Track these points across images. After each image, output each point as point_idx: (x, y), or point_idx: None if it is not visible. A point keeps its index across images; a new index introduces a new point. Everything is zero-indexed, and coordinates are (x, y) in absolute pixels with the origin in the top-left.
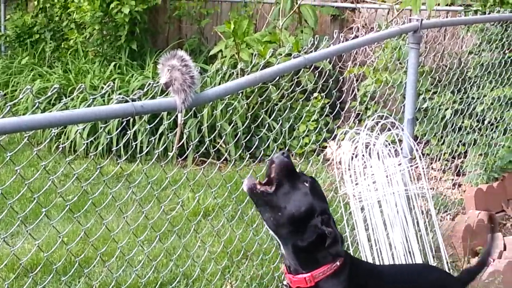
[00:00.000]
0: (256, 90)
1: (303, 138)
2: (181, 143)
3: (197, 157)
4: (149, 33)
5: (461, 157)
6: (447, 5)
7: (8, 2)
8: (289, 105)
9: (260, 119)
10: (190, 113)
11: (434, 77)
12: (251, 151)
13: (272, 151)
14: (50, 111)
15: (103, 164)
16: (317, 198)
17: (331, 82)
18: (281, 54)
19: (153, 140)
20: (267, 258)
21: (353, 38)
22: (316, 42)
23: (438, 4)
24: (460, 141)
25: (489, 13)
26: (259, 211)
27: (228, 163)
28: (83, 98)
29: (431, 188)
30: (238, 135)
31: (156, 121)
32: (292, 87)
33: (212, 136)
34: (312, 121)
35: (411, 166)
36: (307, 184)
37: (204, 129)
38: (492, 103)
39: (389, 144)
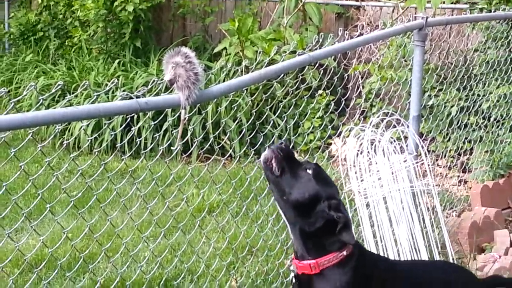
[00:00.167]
0: (261, 87)
1: (308, 135)
2: (184, 140)
3: (202, 153)
4: (153, 31)
5: (467, 154)
6: (452, 2)
7: (12, 0)
8: (294, 102)
9: (265, 116)
10: (195, 109)
11: (440, 74)
12: (255, 147)
13: None
14: (54, 108)
15: (107, 161)
16: (322, 183)
17: (336, 79)
18: (285, 52)
19: (158, 137)
20: (272, 254)
21: (358, 36)
22: (320, 40)
23: (444, 2)
24: (466, 138)
25: (494, 11)
26: (271, 191)
27: (232, 159)
28: (87, 95)
29: (436, 185)
30: (243, 131)
31: (161, 117)
32: (297, 84)
33: (217, 133)
34: (317, 118)
35: (416, 162)
36: (310, 171)
37: (208, 126)
38: (498, 101)
39: (395, 141)
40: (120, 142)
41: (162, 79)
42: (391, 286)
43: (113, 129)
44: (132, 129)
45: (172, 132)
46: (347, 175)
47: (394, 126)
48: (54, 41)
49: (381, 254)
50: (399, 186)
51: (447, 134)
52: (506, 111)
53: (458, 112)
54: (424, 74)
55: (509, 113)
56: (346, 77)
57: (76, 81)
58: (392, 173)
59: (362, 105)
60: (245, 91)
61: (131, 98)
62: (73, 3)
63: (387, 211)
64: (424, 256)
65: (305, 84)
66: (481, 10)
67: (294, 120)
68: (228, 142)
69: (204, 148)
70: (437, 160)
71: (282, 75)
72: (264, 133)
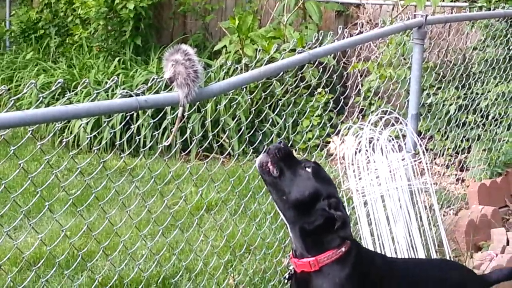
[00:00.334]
0: (260, 85)
1: (306, 133)
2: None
3: (201, 151)
4: (154, 29)
5: (464, 153)
6: (451, 1)
7: None
8: (293, 100)
9: (264, 114)
10: (194, 107)
11: (438, 72)
12: (254, 146)
13: None
14: (54, 106)
15: (106, 159)
16: (321, 182)
17: (335, 78)
18: (285, 50)
19: (157, 135)
20: (270, 253)
21: (357, 34)
22: (320, 38)
23: (443, 0)
24: (464, 137)
25: (494, 9)
26: (269, 192)
27: (231, 157)
28: (87, 93)
29: (434, 183)
30: (242, 130)
31: (160, 115)
32: (296, 82)
33: (216, 131)
34: (316, 116)
35: (414, 161)
36: (309, 170)
37: (207, 124)
38: (496, 99)
39: (393, 139)
40: (120, 140)
41: (162, 77)
42: (388, 283)
43: (112, 127)
44: (132, 127)
45: (172, 130)
46: (345, 173)
47: (393, 125)
48: (55, 39)
49: (378, 252)
50: (397, 184)
51: (445, 133)
52: (504, 110)
53: (457, 110)
54: (423, 72)
55: (507, 111)
56: (345, 75)
57: (76, 79)
58: (390, 172)
59: (361, 103)
60: (244, 89)
61: (130, 96)
62: (74, 0)
63: (384, 210)
64: (421, 255)
65: (304, 82)
66: (480, 8)
67: (293, 118)
68: (227, 140)
69: (203, 146)
70: (435, 158)
71: (281, 73)
72: (263, 131)
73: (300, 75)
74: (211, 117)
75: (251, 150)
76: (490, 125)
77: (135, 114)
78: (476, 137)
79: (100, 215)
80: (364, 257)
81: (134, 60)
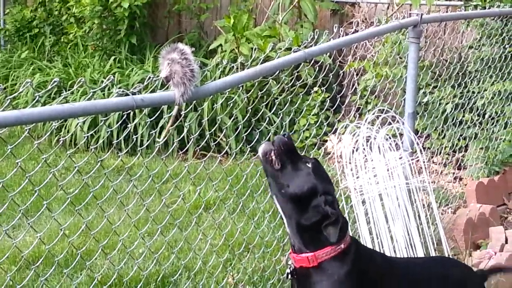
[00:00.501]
0: (257, 84)
1: (303, 132)
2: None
3: (198, 150)
4: (149, 28)
5: (462, 151)
6: None
7: None
8: (289, 99)
9: (261, 112)
10: (191, 106)
11: (434, 71)
12: (251, 144)
13: None
14: (51, 105)
15: (103, 158)
16: (320, 178)
17: (331, 76)
18: (281, 49)
19: (154, 134)
20: (268, 251)
21: (353, 33)
22: (316, 37)
23: None
24: (461, 135)
25: (489, 8)
26: (268, 184)
27: (228, 156)
28: (83, 92)
29: (432, 182)
30: (239, 128)
31: (157, 114)
32: (292, 81)
33: (213, 130)
34: (313, 115)
35: (412, 159)
36: (309, 165)
37: (204, 123)
38: (492, 97)
39: (390, 138)
40: (117, 139)
41: (158, 76)
42: (389, 281)
43: (109, 126)
44: (128, 126)
45: (168, 129)
46: (343, 172)
47: (390, 123)
48: (50, 37)
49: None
50: (394, 183)
51: (442, 131)
52: (500, 108)
53: (453, 109)
54: (419, 71)
55: (504, 110)
56: (341, 74)
57: (72, 78)
58: (388, 170)
59: (358, 102)
60: (240, 88)
61: (127, 95)
62: None
63: (383, 208)
64: (420, 253)
65: (300, 81)
66: (475, 7)
67: (290, 117)
68: (224, 139)
69: (200, 145)
70: (432, 157)
71: (277, 72)
72: (259, 130)
73: (296, 74)
74: (208, 116)
75: (248, 149)
76: (487, 124)
77: (131, 113)
78: (473, 136)
79: (99, 214)
80: (363, 255)
81: (130, 59)
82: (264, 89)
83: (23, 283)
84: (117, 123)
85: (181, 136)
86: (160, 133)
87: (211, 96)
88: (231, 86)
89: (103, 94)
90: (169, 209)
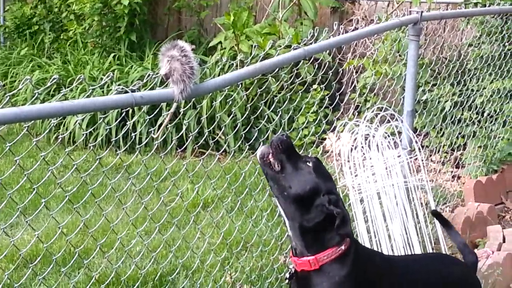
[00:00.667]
0: (256, 81)
1: (302, 129)
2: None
3: (196, 148)
4: (149, 25)
5: (460, 149)
6: None
7: None
8: (288, 97)
9: (260, 110)
10: (190, 104)
11: (434, 69)
12: (250, 142)
13: None
14: (50, 102)
15: (102, 155)
16: (321, 177)
17: (330, 74)
18: (280, 46)
19: (152, 131)
20: (266, 250)
21: (353, 30)
22: (315, 34)
23: None
24: (460, 133)
25: (489, 6)
26: (270, 188)
27: (227, 154)
28: (82, 89)
29: (430, 180)
30: (237, 126)
31: (156, 112)
32: (292, 78)
33: (211, 128)
34: (312, 112)
35: (410, 158)
36: (310, 164)
37: (203, 121)
38: (491, 96)
39: (389, 136)
40: (115, 137)
41: (157, 73)
42: (388, 280)
43: (108, 124)
44: (127, 123)
45: (167, 126)
46: (341, 170)
47: (388, 121)
48: (49, 34)
49: (375, 249)
50: (393, 181)
51: (440, 129)
52: (499, 106)
53: (452, 107)
54: (419, 68)
55: (503, 108)
56: (341, 72)
57: (71, 75)
58: (386, 168)
59: (357, 100)
60: (239, 86)
61: (126, 92)
62: None
63: (381, 206)
64: (418, 252)
65: (299, 79)
66: (475, 4)
67: (289, 115)
68: (223, 137)
69: (199, 143)
70: (430, 155)
71: (277, 69)
72: (258, 127)
73: (295, 71)
74: (206, 114)
75: (247, 147)
76: (486, 122)
77: (130, 111)
78: (472, 134)
79: (97, 212)
80: (363, 255)
81: (129, 56)
82: (263, 87)
83: (20, 282)
84: (115, 120)
85: (180, 134)
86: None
87: (210, 94)
88: (230, 83)
89: (102, 91)
90: (167, 207)
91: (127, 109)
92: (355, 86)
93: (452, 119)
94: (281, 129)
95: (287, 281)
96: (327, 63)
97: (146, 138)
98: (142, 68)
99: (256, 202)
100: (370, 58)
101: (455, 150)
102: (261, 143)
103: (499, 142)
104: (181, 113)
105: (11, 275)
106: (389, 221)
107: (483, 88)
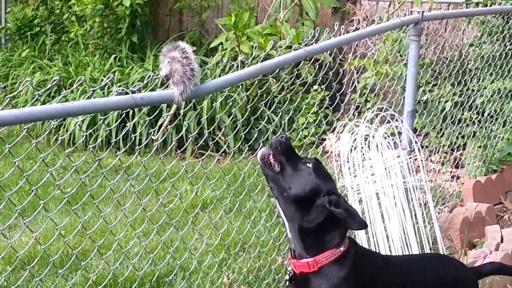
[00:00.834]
0: (256, 82)
1: (302, 130)
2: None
3: (196, 149)
4: (150, 26)
5: (460, 150)
6: None
7: None
8: (288, 98)
9: (260, 111)
10: (190, 105)
11: (435, 69)
12: (250, 143)
13: None
14: (50, 103)
15: (101, 157)
16: (321, 178)
17: (331, 75)
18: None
19: (152, 133)
20: (264, 251)
21: (354, 31)
22: (316, 35)
23: None
24: (460, 134)
25: (490, 6)
26: (270, 189)
27: (227, 155)
28: (82, 91)
29: (429, 181)
30: (237, 127)
31: (156, 113)
32: (292, 79)
33: (211, 128)
34: (312, 113)
35: (410, 158)
36: (310, 165)
37: (203, 121)
38: (492, 96)
39: (388, 136)
40: (115, 138)
41: (157, 75)
42: (386, 280)
43: (108, 125)
44: (127, 124)
45: (167, 128)
46: (341, 171)
47: (388, 122)
48: (51, 36)
49: (373, 249)
50: (392, 181)
51: (440, 130)
52: (500, 106)
53: (452, 107)
54: (419, 69)
55: (503, 108)
56: (341, 72)
57: (72, 76)
58: (386, 169)
59: (357, 100)
60: (240, 87)
61: (126, 93)
62: None
63: (379, 207)
64: (416, 252)
65: (300, 79)
66: (477, 4)
67: (289, 116)
68: (223, 138)
69: (199, 144)
70: (430, 155)
71: (277, 70)
72: (258, 128)
73: (296, 72)
74: (206, 115)
75: (247, 148)
76: (486, 122)
77: (130, 112)
78: (472, 134)
79: (95, 213)
80: (361, 256)
81: (130, 58)
82: (264, 88)
83: (17, 284)
84: (116, 122)
85: (180, 135)
86: (159, 132)
87: (211, 95)
88: (231, 84)
89: (103, 93)
90: (165, 208)
91: (127, 110)
92: (355, 86)
93: (452, 119)
94: (281, 129)
95: (287, 283)
96: (328, 63)
97: (146, 139)
98: (143, 70)
99: (255, 203)
100: (371, 59)
101: (455, 150)
102: (261, 144)
103: (499, 142)
104: (181, 114)
105: (8, 277)
106: (387, 222)
107: (484, 88)
